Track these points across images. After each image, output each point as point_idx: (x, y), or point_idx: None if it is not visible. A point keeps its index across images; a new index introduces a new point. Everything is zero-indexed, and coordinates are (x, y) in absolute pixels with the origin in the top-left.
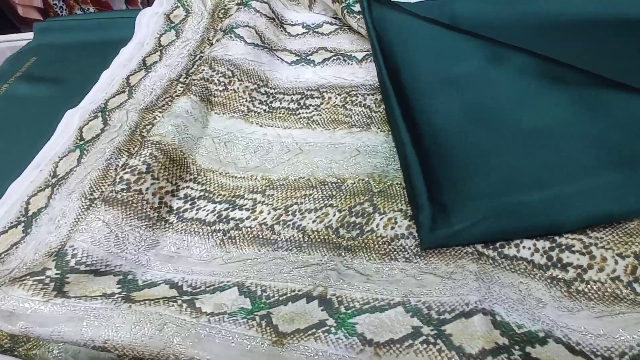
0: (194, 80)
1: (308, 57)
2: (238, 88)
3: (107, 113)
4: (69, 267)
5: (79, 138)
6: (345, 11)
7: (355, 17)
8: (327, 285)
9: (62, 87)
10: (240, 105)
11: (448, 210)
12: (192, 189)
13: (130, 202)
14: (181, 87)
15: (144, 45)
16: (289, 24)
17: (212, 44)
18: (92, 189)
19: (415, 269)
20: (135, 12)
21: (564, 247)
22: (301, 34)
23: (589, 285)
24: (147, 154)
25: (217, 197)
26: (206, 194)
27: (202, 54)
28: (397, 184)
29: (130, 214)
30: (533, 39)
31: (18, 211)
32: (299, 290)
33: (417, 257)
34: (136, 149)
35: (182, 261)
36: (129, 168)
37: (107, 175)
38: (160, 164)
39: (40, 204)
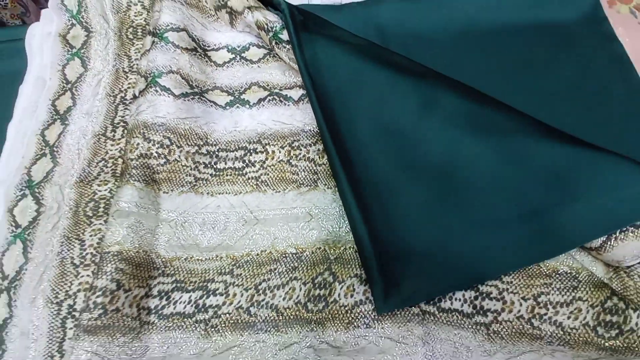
0: (131, 160)
1: (242, 97)
2: (180, 156)
3: (35, 189)
4: None
5: (13, 224)
6: (274, 42)
7: (285, 48)
8: None
9: None
10: (186, 175)
11: (398, 281)
12: (163, 283)
13: (112, 323)
14: (112, 145)
15: (45, 80)
16: (213, 49)
17: (127, 77)
18: (55, 292)
19: (375, 334)
20: (18, 30)
21: (484, 294)
22: (228, 62)
23: (501, 325)
24: (113, 270)
25: (189, 286)
26: (178, 285)
27: (122, 96)
28: (350, 247)
29: (114, 334)
30: (458, 47)
31: None
32: None
33: (375, 322)
34: (95, 260)
35: (175, 359)
36: (100, 290)
37: (65, 273)
38: (128, 275)
39: (2, 314)
